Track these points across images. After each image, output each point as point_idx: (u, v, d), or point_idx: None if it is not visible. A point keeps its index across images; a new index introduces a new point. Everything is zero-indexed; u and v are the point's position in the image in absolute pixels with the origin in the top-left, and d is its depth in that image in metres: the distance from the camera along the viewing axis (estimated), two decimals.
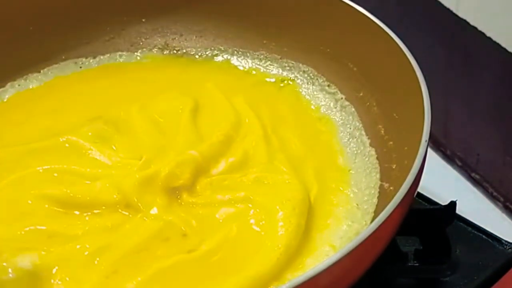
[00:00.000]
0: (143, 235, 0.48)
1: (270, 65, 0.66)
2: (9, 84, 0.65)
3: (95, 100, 0.62)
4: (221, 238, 0.48)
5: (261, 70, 0.66)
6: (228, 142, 0.56)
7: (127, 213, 0.50)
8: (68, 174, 0.53)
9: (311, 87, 0.63)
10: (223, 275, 0.45)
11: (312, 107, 0.61)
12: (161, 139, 0.57)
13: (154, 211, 0.50)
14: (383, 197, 0.50)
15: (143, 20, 0.69)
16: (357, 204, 0.51)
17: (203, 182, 0.52)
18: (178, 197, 0.51)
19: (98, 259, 0.46)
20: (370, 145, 0.56)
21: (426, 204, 0.57)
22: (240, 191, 0.51)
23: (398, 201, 0.40)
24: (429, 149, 0.45)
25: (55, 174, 0.53)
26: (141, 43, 0.69)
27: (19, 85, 0.65)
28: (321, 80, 0.63)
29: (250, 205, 0.50)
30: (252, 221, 0.49)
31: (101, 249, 0.47)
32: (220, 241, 0.48)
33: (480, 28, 0.58)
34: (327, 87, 0.62)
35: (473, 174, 0.65)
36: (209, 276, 0.45)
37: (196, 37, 0.69)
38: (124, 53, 0.68)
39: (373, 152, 0.55)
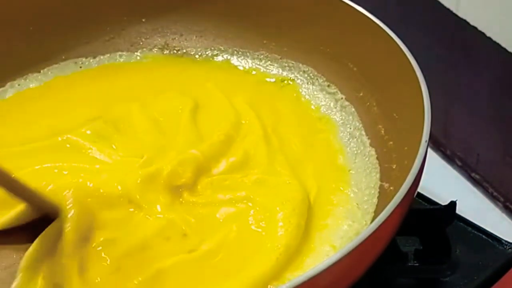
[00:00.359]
0: (146, 233, 0.48)
1: (270, 65, 0.66)
2: (9, 84, 0.65)
3: (95, 100, 0.62)
4: (221, 238, 0.48)
5: (261, 70, 0.66)
6: (229, 142, 0.56)
7: (132, 209, 0.50)
8: (68, 171, 0.53)
9: (311, 87, 0.63)
10: (223, 276, 0.45)
11: (312, 107, 0.61)
12: (162, 138, 0.57)
13: (156, 209, 0.50)
14: (383, 197, 0.50)
15: (143, 20, 0.69)
16: (357, 204, 0.51)
17: (204, 181, 0.52)
18: (180, 196, 0.51)
19: (103, 254, 0.46)
20: (370, 145, 0.56)
21: (426, 204, 0.57)
22: (240, 191, 0.51)
23: (398, 201, 0.40)
24: (429, 149, 0.45)
25: (55, 171, 0.53)
26: (141, 43, 0.69)
27: (19, 84, 0.65)
28: (321, 80, 0.63)
29: (250, 205, 0.50)
30: (252, 221, 0.49)
31: (107, 242, 0.47)
32: (220, 241, 0.48)
33: (480, 28, 0.58)
34: (327, 87, 0.62)
35: (473, 174, 0.65)
36: (210, 277, 0.46)
37: (196, 37, 0.69)
38: (124, 53, 0.68)
39: (373, 152, 0.55)
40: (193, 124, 0.58)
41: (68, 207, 0.48)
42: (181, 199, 0.51)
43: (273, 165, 0.54)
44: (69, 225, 0.46)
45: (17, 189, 0.47)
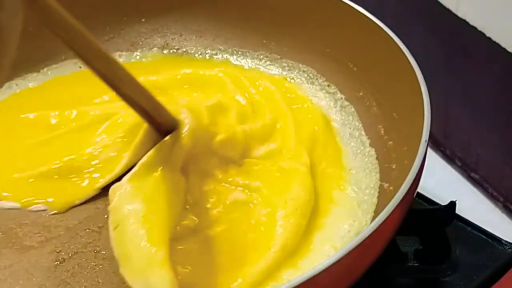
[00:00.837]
0: (172, 193, 0.48)
1: (270, 64, 0.66)
2: (7, 84, 0.65)
3: (96, 99, 0.62)
4: (223, 228, 0.48)
5: (261, 70, 0.66)
6: (274, 126, 0.56)
7: None
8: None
9: (311, 87, 0.63)
10: (217, 270, 0.45)
11: None
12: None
13: (190, 168, 0.51)
14: (383, 197, 0.50)
15: (143, 20, 0.69)
16: (358, 204, 0.51)
17: (239, 161, 0.53)
18: (214, 167, 0.52)
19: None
20: (370, 145, 0.56)
21: (426, 204, 0.57)
22: (258, 180, 0.51)
23: (398, 201, 0.40)
24: (429, 149, 0.45)
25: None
26: (141, 43, 0.69)
27: (16, 84, 0.65)
28: (321, 80, 0.63)
29: (255, 196, 0.50)
30: (254, 214, 0.49)
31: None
32: (221, 231, 0.48)
33: (480, 28, 0.58)
34: (327, 87, 0.62)
35: (473, 174, 0.65)
36: (204, 268, 0.46)
37: (195, 37, 0.69)
38: (123, 52, 0.68)
39: (373, 152, 0.55)
40: (247, 100, 0.58)
41: (185, 121, 0.50)
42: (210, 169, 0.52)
43: (301, 153, 0.54)
44: (188, 139, 0.49)
45: (142, 97, 0.48)
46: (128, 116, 0.55)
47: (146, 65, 0.67)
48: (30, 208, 0.52)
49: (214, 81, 0.61)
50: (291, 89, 0.63)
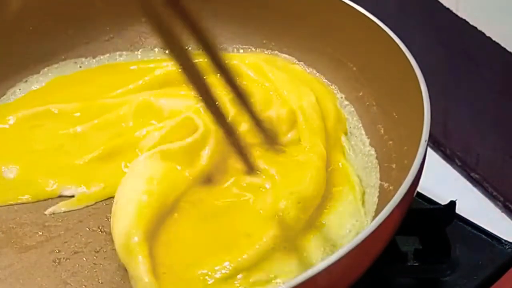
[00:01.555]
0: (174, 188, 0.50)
1: None
2: (11, 90, 0.64)
3: (96, 99, 0.62)
4: (228, 209, 0.49)
5: None
6: (296, 114, 0.56)
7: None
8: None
9: None
10: (208, 247, 0.47)
11: None
12: None
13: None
14: (383, 196, 0.50)
15: (143, 20, 0.69)
16: (358, 203, 0.51)
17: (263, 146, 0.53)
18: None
19: None
20: (370, 144, 0.56)
21: (426, 204, 0.57)
22: (276, 167, 0.51)
23: (398, 201, 0.40)
24: (429, 149, 0.45)
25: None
26: (141, 43, 0.69)
27: (20, 89, 0.65)
28: (321, 80, 0.63)
29: (268, 182, 0.50)
30: (262, 200, 0.49)
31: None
32: (226, 212, 0.49)
33: (480, 28, 0.58)
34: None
35: (473, 174, 0.65)
36: (198, 241, 0.47)
37: None
38: (124, 52, 0.68)
39: (372, 152, 0.55)
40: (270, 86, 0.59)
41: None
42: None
43: (318, 145, 0.54)
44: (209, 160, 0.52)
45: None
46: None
47: (148, 63, 0.67)
48: (89, 190, 0.53)
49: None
50: None
